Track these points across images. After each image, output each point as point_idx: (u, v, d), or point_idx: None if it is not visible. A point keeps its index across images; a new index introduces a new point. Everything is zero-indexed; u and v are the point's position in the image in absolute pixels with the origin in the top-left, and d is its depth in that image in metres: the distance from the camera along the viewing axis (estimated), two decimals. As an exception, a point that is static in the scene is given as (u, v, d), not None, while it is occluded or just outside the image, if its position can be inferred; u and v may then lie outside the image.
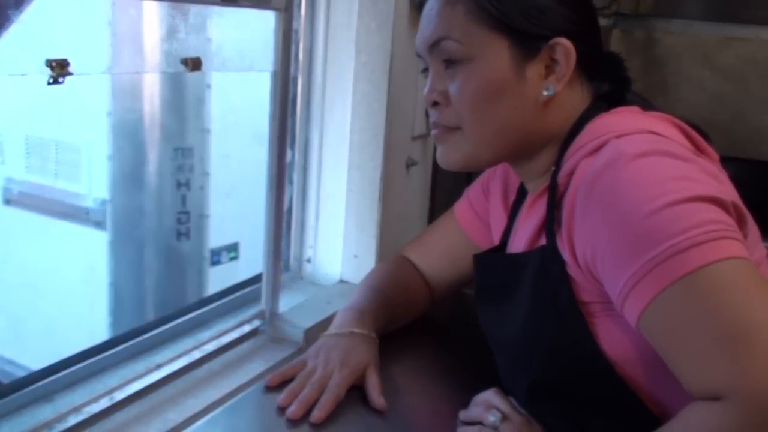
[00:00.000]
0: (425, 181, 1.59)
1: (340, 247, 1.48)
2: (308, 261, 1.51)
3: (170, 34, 1.20)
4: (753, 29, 2.42)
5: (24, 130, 2.86)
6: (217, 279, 2.88)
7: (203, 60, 1.14)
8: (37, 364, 1.41)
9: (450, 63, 0.97)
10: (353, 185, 1.46)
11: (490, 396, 1.06)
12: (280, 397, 1.05)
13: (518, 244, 1.05)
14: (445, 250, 1.30)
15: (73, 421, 1.00)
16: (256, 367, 1.20)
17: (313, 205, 1.49)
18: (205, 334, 1.25)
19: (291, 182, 1.49)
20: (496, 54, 0.94)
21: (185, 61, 1.11)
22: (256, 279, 1.42)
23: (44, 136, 2.84)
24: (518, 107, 0.95)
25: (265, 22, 1.29)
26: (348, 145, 1.45)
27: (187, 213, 2.87)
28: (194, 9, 1.17)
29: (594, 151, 0.89)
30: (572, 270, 0.91)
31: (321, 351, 1.11)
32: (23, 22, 0.97)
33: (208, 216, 2.93)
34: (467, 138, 0.98)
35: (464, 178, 1.63)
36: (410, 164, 1.52)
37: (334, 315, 1.33)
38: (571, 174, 0.91)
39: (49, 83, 0.92)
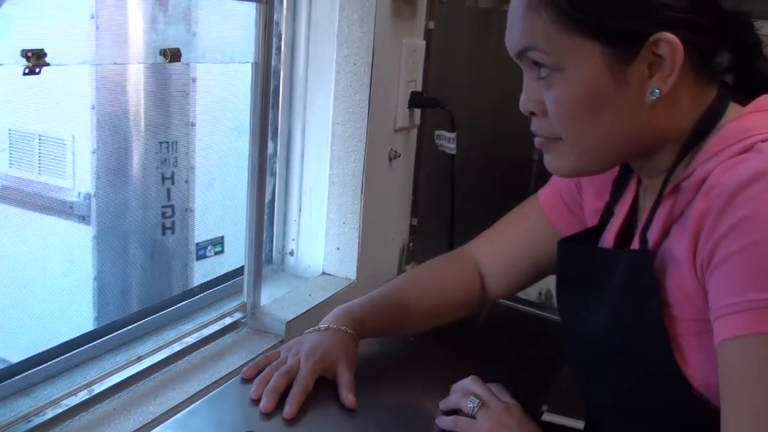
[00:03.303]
0: (408, 174, 1.59)
1: (322, 239, 1.48)
2: (291, 254, 1.51)
3: (150, 25, 1.20)
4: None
5: (7, 124, 2.83)
6: (203, 273, 2.87)
7: (183, 51, 1.14)
8: (17, 357, 1.40)
9: (541, 71, 0.88)
10: (335, 178, 1.46)
11: (468, 383, 1.07)
12: (252, 390, 1.05)
13: (612, 233, 1.00)
14: (523, 240, 1.23)
15: (51, 413, 1.00)
16: (237, 360, 1.20)
17: (296, 197, 1.49)
18: (186, 327, 1.25)
19: (273, 175, 1.48)
20: (590, 61, 0.85)
21: (164, 52, 1.10)
22: (239, 272, 1.41)
23: (27, 130, 2.81)
24: (622, 115, 0.87)
25: (246, 13, 1.29)
26: (330, 138, 1.45)
27: (171, 207, 2.87)
28: (174, 0, 1.17)
29: (733, 157, 0.82)
30: (676, 278, 0.85)
31: (294, 344, 1.11)
32: (1, 14, 0.96)
33: (194, 210, 2.92)
34: (570, 149, 0.90)
35: (448, 171, 1.63)
36: (393, 156, 1.52)
37: (316, 307, 1.34)
38: (702, 182, 0.83)
39: (24, 73, 0.91)
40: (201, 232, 3.03)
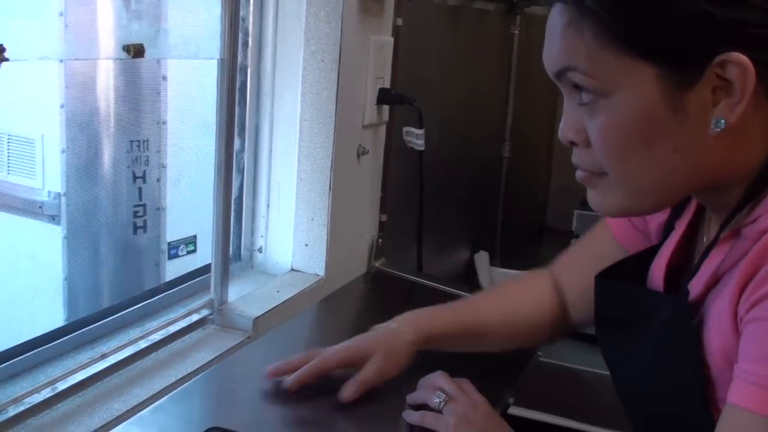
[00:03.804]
0: (377, 170, 1.59)
1: (290, 236, 1.48)
2: (259, 250, 1.51)
3: (115, 21, 1.19)
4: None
5: (-25, 123, 2.79)
6: (175, 272, 2.85)
7: (147, 47, 1.13)
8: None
9: (583, 96, 0.76)
10: (303, 174, 1.46)
11: (434, 378, 1.07)
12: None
13: (664, 259, 0.88)
14: (595, 265, 1.03)
15: (13, 411, 0.99)
16: (203, 356, 1.20)
17: (264, 194, 1.49)
18: (152, 324, 1.24)
19: (241, 171, 1.48)
20: (641, 86, 0.72)
21: (127, 48, 1.10)
22: (207, 269, 1.41)
23: (-4, 130, 2.77)
24: (679, 148, 0.74)
25: (212, 9, 1.28)
26: (298, 134, 1.45)
27: (143, 206, 2.84)
28: (138, -4, 1.16)
29: None
30: (719, 335, 0.76)
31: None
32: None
33: (165, 209, 2.90)
34: (618, 186, 0.78)
35: (417, 167, 1.63)
36: (361, 153, 1.52)
37: (284, 304, 1.34)
38: (765, 232, 0.73)
39: (-18, 69, 0.91)
40: (173, 231, 3.01)
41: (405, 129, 1.59)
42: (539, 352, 1.38)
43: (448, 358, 1.24)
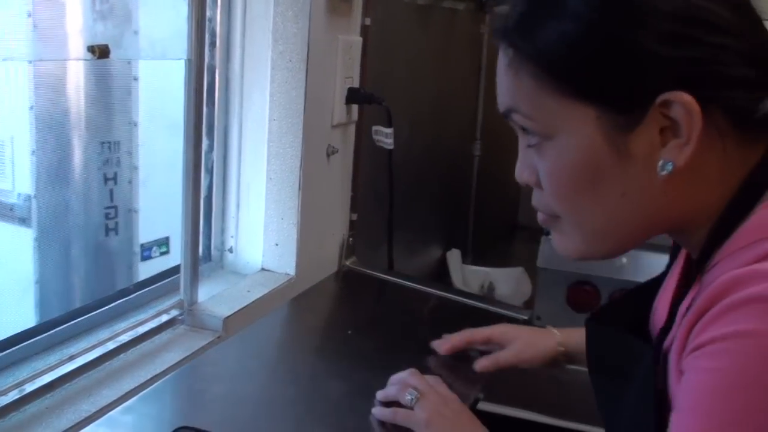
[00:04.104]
0: (346, 169, 1.60)
1: (261, 236, 1.48)
2: (230, 251, 1.51)
3: (80, 21, 1.19)
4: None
5: (-57, 126, 2.76)
6: (148, 274, 2.83)
7: (112, 48, 1.13)
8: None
9: (529, 138, 0.74)
10: (273, 174, 1.46)
11: (406, 375, 1.08)
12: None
13: (665, 303, 0.83)
14: None
15: (-21, 414, 0.99)
16: (173, 356, 1.20)
17: (234, 194, 1.49)
18: (121, 325, 1.24)
19: (210, 172, 1.48)
20: (582, 128, 0.69)
21: (92, 49, 1.09)
22: (178, 269, 1.41)
23: (-36, 132, 2.74)
24: (629, 192, 0.71)
25: (178, 10, 1.28)
26: (267, 134, 1.45)
27: (115, 208, 2.83)
28: (104, -3, 1.16)
29: (752, 263, 0.64)
30: (673, 372, 0.71)
31: None
32: None
33: (137, 210, 2.88)
34: (572, 230, 0.75)
35: (387, 166, 1.64)
36: (331, 152, 1.52)
37: (254, 303, 1.34)
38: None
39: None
40: (146, 233, 3.00)
41: (374, 128, 1.60)
42: (508, 348, 1.38)
43: (419, 355, 1.25)
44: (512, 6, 0.74)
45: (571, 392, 1.60)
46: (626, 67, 0.67)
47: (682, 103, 0.66)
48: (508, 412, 1.42)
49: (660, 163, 0.69)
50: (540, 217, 0.79)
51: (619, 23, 0.68)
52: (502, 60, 0.74)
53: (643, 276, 1.75)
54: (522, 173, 0.77)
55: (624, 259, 1.75)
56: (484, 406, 1.32)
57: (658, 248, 1.73)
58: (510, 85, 0.73)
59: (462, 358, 1.31)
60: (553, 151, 0.72)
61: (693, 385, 0.64)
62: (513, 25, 0.73)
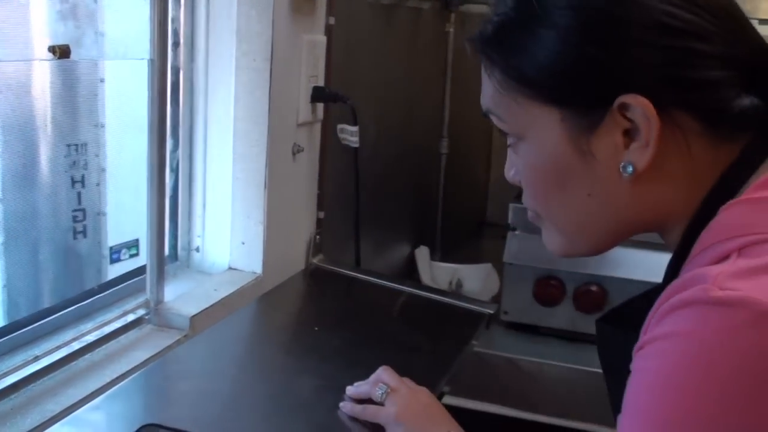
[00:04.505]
0: (313, 167, 1.61)
1: (227, 235, 1.49)
2: (197, 250, 1.52)
3: (41, 21, 1.19)
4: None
5: None
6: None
7: (73, 48, 1.13)
8: None
9: (507, 138, 0.77)
10: (239, 173, 1.47)
11: (379, 373, 1.09)
12: None
13: None
14: None
15: (-58, 415, 0.99)
16: (139, 356, 1.20)
17: (200, 194, 1.50)
18: (87, 325, 1.24)
19: (175, 172, 1.49)
20: (548, 129, 0.72)
21: (53, 49, 1.10)
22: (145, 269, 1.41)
23: (-72, 136, 2.71)
24: (594, 192, 0.73)
25: (140, 10, 1.29)
26: (232, 133, 1.46)
27: (83, 210, 2.81)
28: (65, -3, 1.16)
29: (715, 263, 0.64)
30: None
31: None
32: None
33: (106, 213, 2.86)
34: (551, 228, 0.78)
35: (353, 164, 1.66)
36: (296, 151, 1.53)
37: (221, 302, 1.35)
38: None
39: None
40: (115, 236, 2.98)
41: (339, 126, 1.61)
42: (474, 341, 1.41)
43: (385, 350, 1.27)
44: (487, 18, 0.76)
45: (539, 384, 1.63)
46: (586, 71, 0.69)
47: (639, 106, 0.67)
48: (475, 406, 1.45)
49: (621, 164, 0.70)
50: (528, 214, 0.81)
51: (581, 32, 0.69)
52: (481, 63, 0.77)
53: (608, 270, 1.79)
54: (508, 171, 0.80)
55: (589, 253, 1.78)
56: (449, 400, 1.33)
57: (624, 243, 1.77)
58: (485, 87, 0.76)
59: (427, 351, 1.33)
60: (525, 152, 0.75)
61: (630, 384, 0.65)
62: (485, 36, 0.75)
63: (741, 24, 0.72)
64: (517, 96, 0.73)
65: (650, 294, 0.81)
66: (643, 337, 0.66)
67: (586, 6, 0.70)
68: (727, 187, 0.70)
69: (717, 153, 0.71)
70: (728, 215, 0.68)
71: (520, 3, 0.73)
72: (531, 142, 0.74)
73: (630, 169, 0.69)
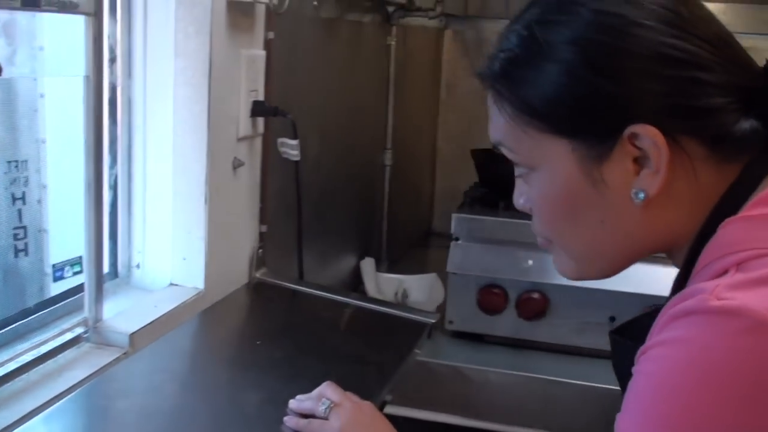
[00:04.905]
0: (254, 181, 1.61)
1: (169, 251, 1.48)
2: (137, 267, 1.51)
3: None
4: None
5: None
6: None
7: (4, 64, 1.12)
8: None
9: (516, 169, 0.81)
10: (179, 188, 1.46)
11: (322, 388, 1.10)
12: None
13: None
14: None
15: None
16: (77, 374, 1.19)
17: (140, 210, 1.49)
18: (24, 345, 1.22)
19: (114, 188, 1.48)
20: (560, 160, 0.75)
21: (-18, 67, 1.08)
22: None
23: None
24: (607, 219, 0.76)
25: (75, 26, 1.28)
26: (172, 149, 1.46)
27: (24, 228, 2.76)
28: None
29: (715, 278, 0.68)
30: None
31: None
32: None
33: (47, 230, 2.82)
34: (564, 253, 0.82)
35: (293, 178, 1.66)
36: (237, 165, 1.54)
37: (162, 318, 1.34)
38: None
39: None
40: (58, 253, 2.94)
41: (279, 140, 1.62)
42: (417, 351, 1.43)
43: (328, 362, 1.28)
44: (495, 50, 0.80)
45: (480, 392, 1.65)
46: (594, 103, 0.73)
47: (648, 136, 0.71)
48: (417, 415, 1.46)
49: (633, 191, 0.74)
50: (538, 240, 0.84)
51: (586, 66, 0.73)
52: (490, 97, 0.80)
53: (550, 278, 1.82)
54: (518, 200, 0.84)
55: (530, 262, 1.81)
56: (391, 409, 1.35)
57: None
58: (496, 120, 0.79)
59: (370, 362, 1.34)
60: (537, 182, 0.79)
61: (630, 386, 0.69)
62: (494, 70, 0.79)
63: (737, 51, 0.76)
64: (527, 128, 0.76)
65: (659, 309, 0.85)
66: (646, 344, 0.70)
67: (588, 40, 0.73)
68: (729, 205, 0.73)
69: (720, 174, 0.74)
70: (726, 232, 0.71)
71: (524, 39, 0.76)
72: (543, 173, 0.77)
73: (641, 195, 0.73)
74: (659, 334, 0.68)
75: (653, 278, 1.69)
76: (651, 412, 0.65)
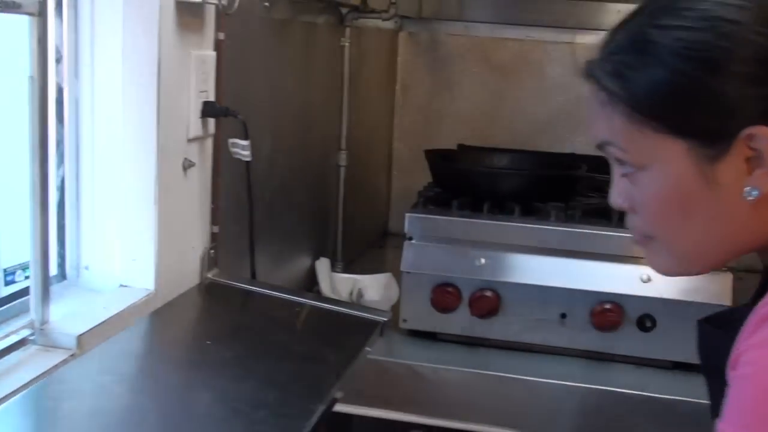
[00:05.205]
0: (205, 182, 1.61)
1: (118, 252, 1.47)
2: (86, 268, 1.50)
3: None
4: (524, 30, 2.63)
5: None
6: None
7: (-55, 66, 1.11)
8: None
9: (623, 168, 0.84)
10: (128, 189, 1.46)
11: None
12: None
13: None
14: None
15: None
16: (22, 377, 1.18)
17: (88, 211, 1.48)
18: (-34, 349, 1.21)
19: (61, 190, 1.47)
20: (674, 160, 0.79)
21: None
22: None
23: None
24: (718, 216, 0.80)
25: (18, 26, 1.27)
26: (120, 150, 1.45)
27: (-28, 232, 2.70)
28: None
29: None
30: None
31: None
32: None
33: (-3, 234, 2.76)
34: (666, 251, 0.85)
35: (246, 177, 1.67)
36: (187, 166, 1.53)
37: (111, 319, 1.34)
38: None
39: None
40: (8, 257, 2.90)
41: (230, 141, 1.62)
42: (368, 348, 1.44)
43: (278, 361, 1.28)
44: (603, 51, 0.83)
45: (433, 390, 1.67)
46: (712, 107, 0.76)
47: (764, 137, 0.75)
48: (368, 412, 1.47)
49: (746, 189, 0.77)
50: (634, 237, 0.87)
51: (703, 69, 0.76)
52: (596, 97, 0.83)
53: (502, 276, 1.84)
54: (616, 200, 0.86)
55: (483, 260, 1.83)
56: (341, 407, 1.36)
57: (514, 248, 1.82)
58: (605, 121, 0.82)
59: (320, 360, 1.35)
60: (647, 180, 0.81)
61: (730, 393, 0.71)
62: (607, 71, 0.81)
63: None
64: (643, 128, 0.79)
65: (746, 304, 0.89)
66: (738, 349, 0.73)
67: (704, 43, 0.76)
68: None
69: None
70: None
71: (638, 42, 0.79)
72: (653, 172, 0.80)
73: (755, 193, 0.77)
74: (750, 338, 0.71)
75: (603, 275, 1.73)
76: (754, 414, 0.67)
